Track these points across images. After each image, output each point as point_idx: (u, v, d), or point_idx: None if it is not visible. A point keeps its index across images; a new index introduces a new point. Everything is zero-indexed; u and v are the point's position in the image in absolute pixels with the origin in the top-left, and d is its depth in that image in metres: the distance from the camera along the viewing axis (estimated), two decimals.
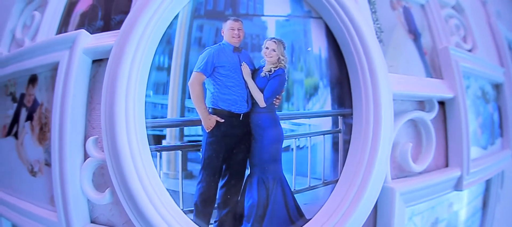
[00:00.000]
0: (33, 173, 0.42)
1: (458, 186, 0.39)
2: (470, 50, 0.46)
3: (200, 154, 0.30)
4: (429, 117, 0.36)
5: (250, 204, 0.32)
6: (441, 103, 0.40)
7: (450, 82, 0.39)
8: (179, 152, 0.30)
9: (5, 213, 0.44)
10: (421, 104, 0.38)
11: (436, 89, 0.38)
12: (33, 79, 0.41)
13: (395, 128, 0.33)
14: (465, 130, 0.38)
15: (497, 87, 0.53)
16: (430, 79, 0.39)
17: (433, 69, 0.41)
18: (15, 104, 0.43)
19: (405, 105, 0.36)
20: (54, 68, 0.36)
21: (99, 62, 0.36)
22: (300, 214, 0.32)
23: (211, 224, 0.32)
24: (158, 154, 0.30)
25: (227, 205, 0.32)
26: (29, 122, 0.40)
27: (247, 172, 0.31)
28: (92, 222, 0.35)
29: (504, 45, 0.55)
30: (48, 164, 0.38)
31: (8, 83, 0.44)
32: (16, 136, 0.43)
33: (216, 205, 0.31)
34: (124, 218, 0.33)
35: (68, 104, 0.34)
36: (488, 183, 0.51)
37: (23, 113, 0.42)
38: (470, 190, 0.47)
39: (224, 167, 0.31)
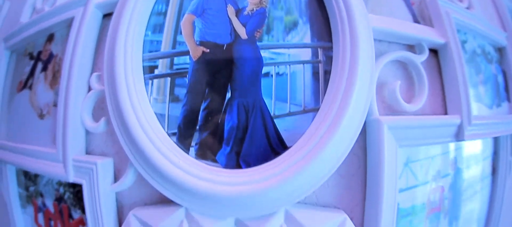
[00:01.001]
0: (41, 116, 0.46)
1: (459, 135, 0.36)
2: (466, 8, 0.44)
3: (187, 80, 0.34)
4: (419, 59, 0.35)
5: (230, 126, 0.33)
6: (434, 52, 0.38)
7: (440, 30, 0.37)
8: (169, 79, 0.34)
9: (9, 158, 0.47)
10: (412, 48, 0.37)
11: (425, 33, 0.37)
12: (50, 38, 0.47)
13: (381, 65, 0.33)
14: (461, 76, 0.36)
15: (500, 50, 0.50)
16: (417, 24, 0.38)
17: (422, 19, 0.39)
18: (32, 61, 0.49)
19: (392, 47, 0.36)
20: (69, 25, 0.42)
21: (109, 17, 0.41)
22: (280, 139, 0.32)
23: (192, 146, 0.34)
24: (150, 81, 0.34)
25: (208, 128, 0.34)
26: (43, 72, 0.46)
27: (228, 95, 0.33)
28: (87, 154, 0.38)
29: (505, 10, 0.52)
30: (55, 104, 0.43)
31: (28, 46, 0.50)
32: (30, 87, 0.50)
33: (197, 127, 0.34)
34: (116, 148, 0.36)
35: (78, 49, 0.39)
36: (496, 147, 0.47)
37: (39, 67, 0.47)
38: (476, 149, 0.44)
39: (207, 90, 0.34)
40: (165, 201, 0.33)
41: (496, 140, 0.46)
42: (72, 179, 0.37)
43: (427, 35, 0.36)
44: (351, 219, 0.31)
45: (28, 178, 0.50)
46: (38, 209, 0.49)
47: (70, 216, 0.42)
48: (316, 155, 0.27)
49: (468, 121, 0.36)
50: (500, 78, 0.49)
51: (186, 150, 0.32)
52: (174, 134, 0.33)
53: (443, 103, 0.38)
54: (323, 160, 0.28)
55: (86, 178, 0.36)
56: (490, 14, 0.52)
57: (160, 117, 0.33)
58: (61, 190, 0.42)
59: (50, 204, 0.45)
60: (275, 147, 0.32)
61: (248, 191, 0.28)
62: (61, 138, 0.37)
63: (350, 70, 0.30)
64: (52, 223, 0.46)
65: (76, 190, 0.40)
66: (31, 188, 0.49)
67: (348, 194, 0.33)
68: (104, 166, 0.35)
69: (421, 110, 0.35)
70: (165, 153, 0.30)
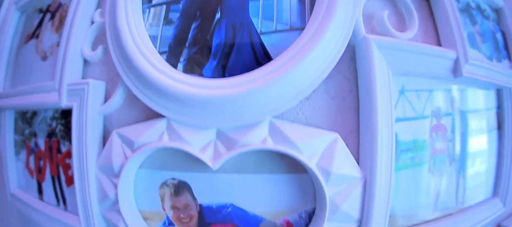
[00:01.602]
0: (44, 58, 0.48)
1: (456, 71, 0.34)
2: None
3: (180, 5, 0.35)
4: None
5: (217, 43, 0.34)
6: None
7: None
8: (164, 6, 0.36)
9: (8, 103, 0.49)
10: None
11: None
12: None
13: None
14: (451, 12, 0.35)
15: (497, 12, 0.48)
16: None
17: None
18: (41, 14, 0.52)
19: None
20: None
21: None
22: (265, 53, 0.32)
23: (180, 62, 0.34)
24: (148, 10, 0.36)
25: (196, 44, 0.35)
26: (51, 20, 0.49)
27: (218, 16, 0.34)
28: None
29: None
30: (59, 44, 0.45)
31: (37, 4, 0.53)
32: (37, 36, 0.52)
33: (187, 45, 0.34)
34: (111, 75, 0.37)
35: None
36: (500, 101, 0.43)
37: (47, 17, 0.50)
38: (478, 96, 0.41)
39: (198, 13, 0.35)
40: (150, 119, 0.33)
41: (499, 93, 0.44)
42: (64, 103, 0.37)
43: None
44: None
45: (25, 121, 0.51)
46: (30, 152, 0.49)
47: (59, 150, 0.42)
48: (297, 62, 0.27)
49: (464, 57, 0.34)
50: (499, 37, 0.48)
51: (175, 66, 0.33)
52: (164, 52, 0.34)
53: (437, 44, 0.37)
54: (304, 69, 0.27)
55: (77, 100, 0.36)
56: None
57: (153, 38, 0.34)
58: (53, 124, 0.43)
59: (42, 142, 0.45)
60: (261, 60, 0.32)
61: (229, 93, 0.28)
62: (60, 68, 0.38)
63: None
64: (42, 163, 0.46)
65: (67, 120, 0.40)
66: (26, 131, 0.50)
67: (340, 118, 0.31)
68: (96, 87, 0.35)
69: (413, 39, 0.33)
70: (153, 62, 0.30)
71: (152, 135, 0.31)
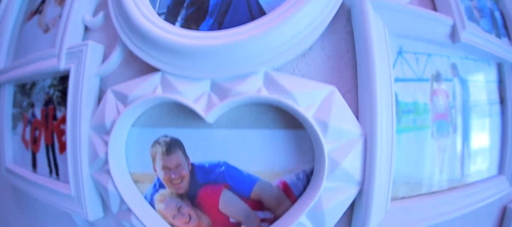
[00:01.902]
0: (47, 30, 0.49)
1: (453, 36, 0.33)
2: None
3: None
4: None
5: (214, 2, 0.33)
6: None
7: None
8: None
9: (8, 77, 0.49)
10: None
11: None
12: None
13: None
14: None
15: None
16: None
17: None
18: None
19: None
20: None
21: None
22: (261, 10, 0.32)
23: (178, 21, 0.34)
24: None
25: (194, 4, 0.34)
26: None
27: None
28: None
29: None
30: (61, 15, 0.45)
31: None
32: (40, 12, 0.53)
33: (185, 5, 0.34)
34: (110, 41, 0.37)
35: None
36: (501, 76, 0.42)
37: None
38: (478, 67, 0.39)
39: None
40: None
41: (499, 69, 0.42)
42: (63, 66, 0.37)
43: None
44: None
45: (24, 93, 0.50)
46: (26, 123, 0.49)
47: (55, 117, 0.42)
48: (291, 15, 0.26)
49: (461, 24, 0.34)
50: (498, 15, 0.47)
51: (172, 24, 0.32)
52: (163, 13, 0.34)
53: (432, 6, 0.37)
54: (298, 21, 0.27)
55: (75, 61, 0.36)
56: None
57: (152, 2, 0.34)
58: (51, 91, 0.42)
59: (38, 112, 0.45)
60: (256, 17, 0.32)
61: (224, 42, 0.27)
62: (61, 34, 0.38)
63: None
64: (37, 132, 0.45)
65: (65, 86, 0.39)
66: (24, 103, 0.50)
67: (337, 76, 0.30)
68: (95, 49, 0.35)
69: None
70: (151, 19, 0.30)
71: (146, 88, 0.30)
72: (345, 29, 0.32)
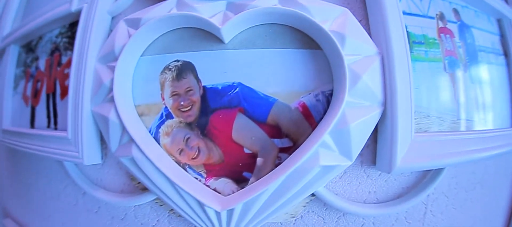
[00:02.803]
0: None
1: None
2: None
3: None
4: None
5: None
6: None
7: None
8: None
9: (15, 36, 0.47)
10: None
11: None
12: None
13: None
14: None
15: None
16: None
17: None
18: None
19: None
20: None
21: None
22: None
23: None
24: None
25: None
26: None
27: None
28: None
29: None
30: None
31: None
32: None
33: None
34: None
35: None
36: (502, 30, 0.41)
37: None
38: (478, 16, 0.38)
39: None
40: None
41: (500, 24, 0.42)
42: (74, 6, 0.35)
43: None
44: None
45: (29, 50, 0.48)
46: (29, 78, 0.45)
47: (59, 63, 0.39)
48: None
49: None
50: None
51: None
52: None
53: None
54: None
55: (87, 1, 0.34)
56: None
57: None
58: (58, 39, 0.40)
59: (42, 63, 0.42)
60: None
61: None
62: None
63: None
64: (39, 85, 0.42)
65: (74, 31, 0.37)
66: (28, 59, 0.47)
67: (348, 8, 0.28)
68: None
69: None
70: None
71: (161, 10, 0.29)
72: None
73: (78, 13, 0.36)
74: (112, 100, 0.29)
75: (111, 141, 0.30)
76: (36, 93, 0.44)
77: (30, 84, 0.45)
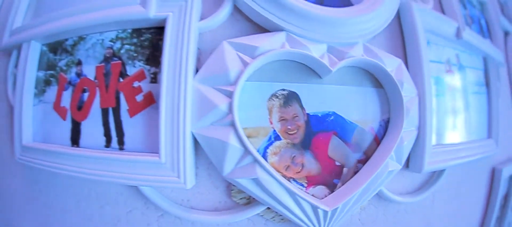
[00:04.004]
0: None
1: (458, 34, 0.47)
2: None
3: None
4: None
5: None
6: None
7: None
8: None
9: (39, 31, 0.36)
10: None
11: None
12: None
13: None
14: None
15: (482, 5, 0.64)
16: None
17: None
18: None
19: None
20: None
21: None
22: None
23: None
24: None
25: None
26: None
27: None
28: None
29: None
30: None
31: None
32: None
33: None
34: None
35: None
36: (486, 66, 0.58)
37: None
38: (471, 58, 0.53)
39: None
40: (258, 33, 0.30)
41: (485, 60, 0.57)
42: (154, 13, 0.30)
43: None
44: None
45: (62, 51, 0.37)
46: (65, 86, 0.35)
47: (122, 74, 0.33)
48: (379, 5, 0.34)
49: (463, 27, 0.47)
50: (483, 22, 0.63)
51: None
52: None
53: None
54: (383, 9, 0.35)
55: (174, 10, 0.30)
56: None
57: None
58: (117, 45, 0.33)
59: (90, 70, 0.34)
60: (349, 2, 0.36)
61: (342, 15, 0.31)
62: None
63: None
64: (86, 95, 0.33)
65: (142, 39, 0.32)
66: (62, 62, 0.36)
67: (394, 53, 0.38)
68: (198, 1, 0.31)
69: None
70: None
71: (274, 43, 0.29)
72: (394, 22, 0.40)
73: (148, 20, 0.31)
74: (230, 124, 0.28)
75: (226, 163, 0.28)
76: (80, 106, 0.34)
77: (67, 94, 0.35)
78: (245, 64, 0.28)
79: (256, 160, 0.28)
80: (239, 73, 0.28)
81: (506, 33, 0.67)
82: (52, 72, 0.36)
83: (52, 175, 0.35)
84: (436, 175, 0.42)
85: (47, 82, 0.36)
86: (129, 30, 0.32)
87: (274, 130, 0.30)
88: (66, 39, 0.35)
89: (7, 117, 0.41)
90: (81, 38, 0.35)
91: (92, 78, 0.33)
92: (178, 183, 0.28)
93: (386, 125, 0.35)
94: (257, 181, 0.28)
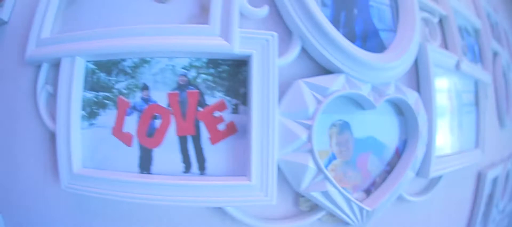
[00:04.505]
0: (161, 1, 0.35)
1: (458, 67, 0.58)
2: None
3: None
4: (434, 20, 0.57)
5: (360, 30, 0.44)
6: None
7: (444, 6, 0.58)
8: None
9: (90, 47, 0.33)
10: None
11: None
12: None
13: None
14: (456, 33, 0.59)
15: (476, 32, 0.72)
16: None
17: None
18: None
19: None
20: None
21: None
22: (382, 42, 0.47)
23: None
24: None
25: (347, 27, 0.43)
26: None
27: (356, 11, 0.45)
28: None
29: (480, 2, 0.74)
30: None
31: None
32: None
33: (341, 25, 0.42)
34: (282, 34, 0.36)
35: None
36: (476, 87, 0.67)
37: None
38: (465, 83, 0.64)
39: (344, 5, 0.44)
40: (321, 73, 0.38)
41: (476, 84, 0.68)
42: (238, 49, 0.33)
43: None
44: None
45: (117, 72, 0.35)
46: (129, 110, 0.35)
47: (200, 103, 0.35)
48: (406, 50, 0.44)
49: (461, 60, 0.58)
50: (476, 48, 0.72)
51: None
52: None
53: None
54: (410, 54, 0.46)
55: (257, 48, 0.34)
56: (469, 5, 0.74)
57: None
58: (192, 73, 0.35)
59: (161, 96, 0.34)
60: (383, 48, 0.46)
61: (381, 61, 0.41)
62: (223, 16, 0.33)
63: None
64: (158, 122, 0.34)
65: (221, 70, 0.35)
66: (121, 85, 0.35)
67: (410, 80, 0.49)
68: (275, 38, 0.35)
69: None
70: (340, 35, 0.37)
71: (338, 84, 0.37)
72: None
73: (231, 54, 0.33)
74: (309, 151, 0.35)
75: (303, 181, 0.36)
76: (151, 132, 0.35)
77: (132, 119, 0.35)
78: (319, 102, 0.37)
79: (326, 177, 0.37)
80: (315, 110, 0.36)
81: (495, 54, 0.80)
82: (107, 94, 0.35)
83: (108, 202, 0.33)
84: (435, 179, 0.57)
85: (101, 105, 0.36)
86: (204, 60, 0.34)
87: (333, 152, 0.37)
88: (123, 60, 0.35)
89: (41, 139, 0.38)
90: (144, 61, 0.36)
91: (164, 105, 0.34)
92: (266, 200, 0.35)
93: (404, 143, 0.47)
94: (325, 193, 0.35)
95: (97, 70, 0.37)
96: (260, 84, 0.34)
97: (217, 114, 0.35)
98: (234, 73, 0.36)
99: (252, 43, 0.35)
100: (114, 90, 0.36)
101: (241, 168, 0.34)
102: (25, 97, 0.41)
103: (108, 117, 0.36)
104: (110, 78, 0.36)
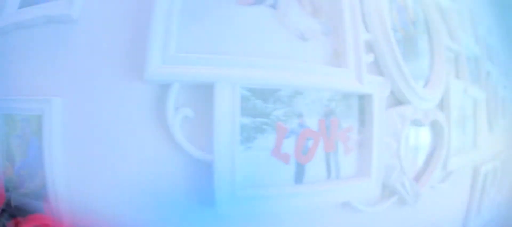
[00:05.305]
0: (305, 38, 0.39)
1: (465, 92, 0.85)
2: None
3: None
4: None
5: None
6: None
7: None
8: None
9: (244, 75, 0.36)
10: None
11: None
12: None
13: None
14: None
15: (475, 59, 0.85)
16: None
17: None
18: None
19: None
20: None
21: None
22: None
23: None
24: None
25: None
26: None
27: None
28: None
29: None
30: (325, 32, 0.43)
31: None
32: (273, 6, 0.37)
33: None
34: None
35: None
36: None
37: None
38: None
39: None
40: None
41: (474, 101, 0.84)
42: (367, 90, 0.44)
43: None
44: None
45: (273, 101, 0.39)
46: (285, 135, 0.40)
47: (339, 126, 0.44)
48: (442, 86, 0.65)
49: (468, 86, 0.78)
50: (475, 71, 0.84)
51: None
52: None
53: None
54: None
55: (373, 88, 0.46)
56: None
57: None
58: (333, 104, 0.44)
59: (313, 122, 0.42)
60: None
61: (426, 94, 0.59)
62: (353, 61, 0.43)
63: None
64: (310, 143, 0.42)
65: (350, 102, 0.46)
66: (279, 112, 0.39)
67: None
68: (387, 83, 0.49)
69: None
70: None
71: (412, 114, 0.54)
72: None
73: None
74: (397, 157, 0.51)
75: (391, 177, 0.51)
76: (305, 151, 0.41)
77: (289, 141, 0.41)
78: (402, 125, 0.50)
79: (404, 172, 0.49)
80: (400, 130, 0.51)
81: (488, 73, 0.92)
82: (264, 120, 0.38)
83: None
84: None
85: (259, 130, 0.38)
86: (342, 94, 0.46)
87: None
88: (278, 89, 0.40)
89: (181, 165, 0.36)
90: (298, 92, 0.42)
91: (315, 129, 0.40)
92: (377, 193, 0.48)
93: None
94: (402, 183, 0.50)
95: (252, 97, 0.39)
96: (379, 114, 0.48)
97: (349, 133, 0.46)
98: (358, 105, 0.48)
99: (372, 83, 0.48)
100: (272, 117, 0.40)
101: (364, 171, 0.47)
102: (149, 116, 0.37)
103: (266, 140, 0.39)
104: (267, 105, 0.40)
